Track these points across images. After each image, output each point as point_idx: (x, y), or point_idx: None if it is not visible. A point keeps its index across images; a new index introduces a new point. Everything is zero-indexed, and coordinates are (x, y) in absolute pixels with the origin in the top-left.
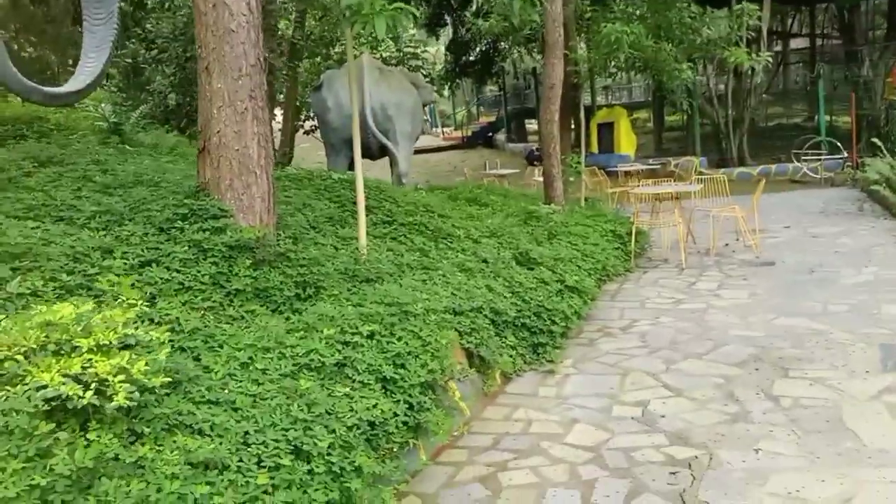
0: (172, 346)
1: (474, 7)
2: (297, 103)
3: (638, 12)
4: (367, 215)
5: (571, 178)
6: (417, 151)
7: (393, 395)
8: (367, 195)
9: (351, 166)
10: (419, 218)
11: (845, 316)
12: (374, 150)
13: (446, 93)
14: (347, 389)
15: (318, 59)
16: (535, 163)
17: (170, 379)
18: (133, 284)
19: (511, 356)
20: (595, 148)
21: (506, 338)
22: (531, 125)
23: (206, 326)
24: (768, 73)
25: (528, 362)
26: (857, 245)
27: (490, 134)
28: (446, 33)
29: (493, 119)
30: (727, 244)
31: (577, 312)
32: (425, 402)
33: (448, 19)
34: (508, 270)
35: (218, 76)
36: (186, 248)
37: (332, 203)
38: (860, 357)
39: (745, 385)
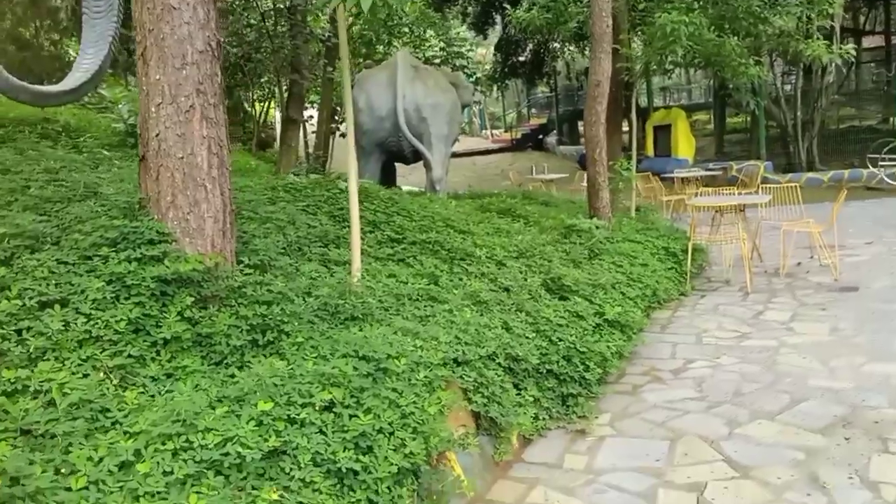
0: (29, 433)
1: (525, 5)
2: (334, 105)
3: (699, 1)
4: (371, 232)
5: (621, 186)
6: (464, 154)
7: (351, 495)
8: (375, 208)
9: (385, 170)
10: (435, 235)
11: None
12: (408, 154)
13: (495, 94)
14: (276, 496)
15: (361, 59)
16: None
17: None
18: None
19: (532, 414)
20: (651, 152)
21: (525, 389)
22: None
23: (100, 396)
24: (840, 73)
25: (554, 417)
26: None
27: (541, 136)
28: (495, 32)
29: (543, 121)
30: (800, 263)
31: (619, 352)
32: (400, 499)
33: (497, 18)
34: (535, 301)
35: (156, 65)
36: (105, 283)
37: (329, 218)
38: None
39: (833, 462)
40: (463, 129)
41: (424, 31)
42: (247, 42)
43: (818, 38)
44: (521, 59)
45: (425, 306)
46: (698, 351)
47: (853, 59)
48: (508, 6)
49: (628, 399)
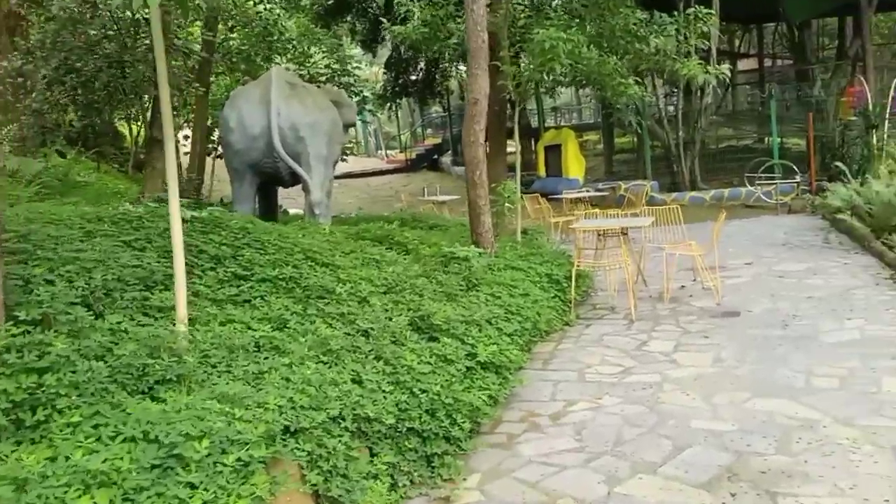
0: None
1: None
2: (210, 123)
3: (577, 19)
4: (213, 269)
5: (509, 208)
6: (358, 175)
7: None
8: (222, 240)
9: (264, 195)
10: (290, 270)
11: (837, 396)
12: (285, 176)
13: (385, 114)
14: None
15: (241, 74)
16: None
17: None
18: None
19: (389, 483)
20: (542, 172)
21: (380, 455)
22: None
23: None
24: (717, 94)
25: (416, 483)
26: (831, 287)
27: (435, 157)
28: (386, 50)
29: (438, 141)
30: (683, 286)
31: (493, 398)
32: None
33: (386, 35)
34: (398, 346)
35: None
36: None
37: (161, 255)
38: (870, 469)
39: None
40: (349, 150)
41: (308, 48)
42: (104, 55)
43: (694, 59)
44: (413, 77)
45: (265, 359)
46: (580, 390)
47: (728, 80)
48: (385, 21)
49: (502, 454)
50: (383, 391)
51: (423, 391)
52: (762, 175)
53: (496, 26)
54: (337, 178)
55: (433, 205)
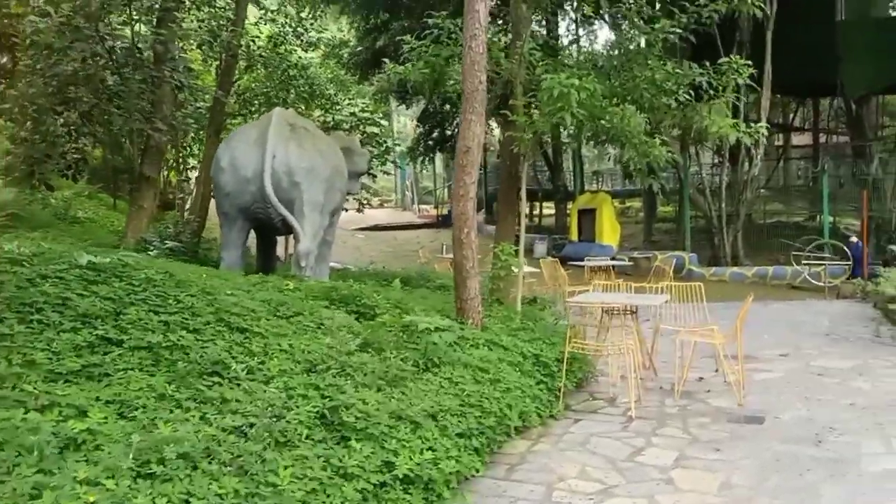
0: None
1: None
2: None
3: (597, 67)
4: (74, 330)
5: (502, 274)
6: (386, 228)
7: None
8: (108, 292)
9: (263, 242)
10: (183, 335)
11: None
12: (277, 223)
13: (420, 167)
14: None
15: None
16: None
17: None
18: None
19: None
20: (575, 236)
21: None
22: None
23: None
24: (768, 167)
25: None
26: (879, 394)
27: None
28: (419, 104)
29: None
30: (701, 378)
31: None
32: None
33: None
34: (279, 452)
35: None
36: None
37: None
38: None
39: None
40: (362, 201)
41: (336, 94)
42: (104, 87)
43: (727, 118)
44: (448, 132)
45: (57, 469)
46: None
47: (780, 153)
48: (388, 62)
49: None
50: None
51: None
52: (810, 254)
53: (511, 72)
54: (364, 229)
55: (450, 263)
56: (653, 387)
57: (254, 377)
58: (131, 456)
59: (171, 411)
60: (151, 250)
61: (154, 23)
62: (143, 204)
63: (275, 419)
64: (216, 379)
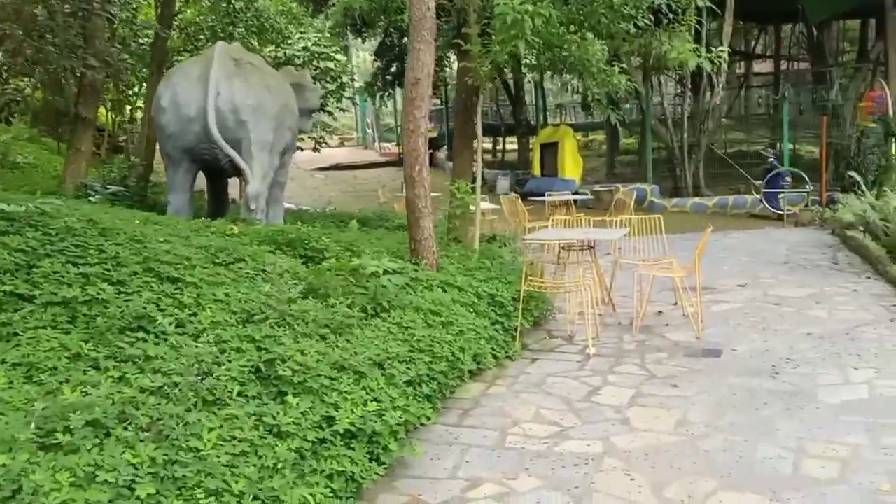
0: None
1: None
2: None
3: None
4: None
5: (459, 212)
6: (346, 167)
7: None
8: (20, 243)
9: (211, 184)
10: (103, 289)
11: (834, 495)
12: (225, 164)
13: (380, 104)
14: None
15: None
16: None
17: None
18: None
19: None
20: (537, 171)
21: None
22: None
23: None
24: (730, 96)
25: None
26: (836, 321)
27: (430, 151)
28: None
29: (434, 135)
30: (660, 312)
31: (350, 490)
32: None
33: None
34: (206, 413)
35: None
36: None
37: None
38: None
39: None
40: (318, 140)
41: (286, 27)
42: (33, 24)
43: (687, 43)
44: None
45: None
46: (493, 463)
47: (741, 81)
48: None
49: None
50: (139, 499)
51: (212, 493)
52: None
53: (467, 1)
54: (323, 169)
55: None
56: (611, 322)
57: (183, 331)
58: (33, 425)
59: (85, 372)
60: (92, 196)
61: None
62: (81, 147)
63: (203, 376)
64: (140, 335)
